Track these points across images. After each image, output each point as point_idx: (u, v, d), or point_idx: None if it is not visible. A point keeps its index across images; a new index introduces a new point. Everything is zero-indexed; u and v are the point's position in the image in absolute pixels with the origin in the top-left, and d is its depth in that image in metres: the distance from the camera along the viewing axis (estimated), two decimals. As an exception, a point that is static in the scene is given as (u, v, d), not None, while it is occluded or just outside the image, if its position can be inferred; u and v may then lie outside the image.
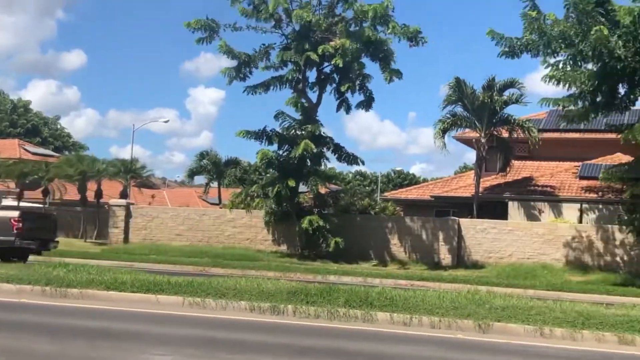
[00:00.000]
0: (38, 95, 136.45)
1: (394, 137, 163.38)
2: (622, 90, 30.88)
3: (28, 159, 55.66)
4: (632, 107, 32.48)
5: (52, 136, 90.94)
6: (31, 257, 25.19)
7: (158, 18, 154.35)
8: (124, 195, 43.10)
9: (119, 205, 38.85)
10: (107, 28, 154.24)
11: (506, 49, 29.77)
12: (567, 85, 29.94)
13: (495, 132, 38.50)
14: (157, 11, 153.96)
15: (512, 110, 38.51)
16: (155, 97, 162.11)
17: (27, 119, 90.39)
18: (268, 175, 37.90)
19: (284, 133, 36.17)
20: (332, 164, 42.09)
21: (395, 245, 36.01)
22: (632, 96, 30.79)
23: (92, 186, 42.86)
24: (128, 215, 38.54)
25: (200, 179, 60.46)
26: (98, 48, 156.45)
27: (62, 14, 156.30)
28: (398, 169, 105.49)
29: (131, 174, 44.77)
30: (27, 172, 43.54)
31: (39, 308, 13.95)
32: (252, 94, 36.37)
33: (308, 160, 35.90)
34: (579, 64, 29.52)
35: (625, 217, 32.31)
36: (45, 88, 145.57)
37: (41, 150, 67.80)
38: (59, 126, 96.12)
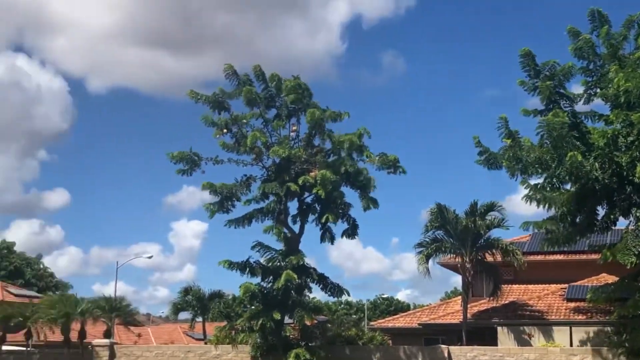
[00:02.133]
0: (21, 235, 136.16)
1: (378, 263, 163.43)
2: (601, 211, 31.31)
3: (11, 300, 54.95)
4: (613, 227, 32.80)
5: (35, 277, 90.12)
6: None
7: (140, 154, 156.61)
8: (107, 334, 42.36)
9: (102, 346, 38.14)
10: (90, 166, 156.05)
11: (485, 160, 30.54)
12: (546, 206, 30.38)
13: (480, 256, 38.57)
14: (138, 147, 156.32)
15: (496, 233, 38.82)
16: (139, 232, 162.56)
17: (10, 261, 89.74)
18: (252, 308, 37.50)
19: (267, 264, 36.04)
20: (316, 293, 41.79)
21: (384, 376, 35.34)
22: (612, 216, 31.19)
23: (76, 326, 42.17)
24: (112, 355, 37.77)
25: (185, 314, 59.77)
26: (81, 186, 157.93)
27: (45, 154, 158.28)
28: (384, 295, 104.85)
29: (116, 312, 44.12)
30: (11, 314, 42.93)
31: None
32: (235, 227, 36.46)
33: (292, 291, 35.62)
34: (557, 186, 30.05)
35: (615, 339, 32.00)
36: (28, 228, 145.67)
37: (24, 291, 67.03)
38: (42, 266, 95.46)
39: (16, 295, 60.32)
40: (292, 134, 36.39)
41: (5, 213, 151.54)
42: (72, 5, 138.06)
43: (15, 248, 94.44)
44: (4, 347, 42.94)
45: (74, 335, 41.75)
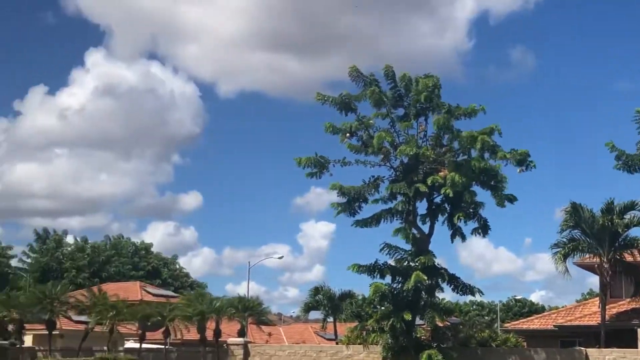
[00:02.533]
0: (157, 236, 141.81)
1: (510, 264, 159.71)
2: None
3: (150, 300, 57.09)
4: None
5: (171, 277, 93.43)
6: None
7: (268, 156, 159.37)
8: (241, 333, 43.25)
9: (237, 344, 39.05)
10: (221, 168, 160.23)
11: (624, 164, 29.36)
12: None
13: (618, 256, 37.17)
14: (267, 149, 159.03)
15: (636, 232, 37.26)
16: (269, 233, 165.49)
17: (147, 261, 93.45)
18: (383, 308, 37.44)
19: (396, 265, 35.86)
20: (447, 294, 41.25)
21: (520, 379, 34.59)
22: None
23: (211, 325, 43.29)
24: (246, 354, 38.60)
25: (315, 314, 60.37)
26: (213, 188, 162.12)
27: (179, 158, 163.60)
28: (517, 297, 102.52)
29: (249, 311, 45.04)
30: (149, 313, 44.46)
31: None
32: (362, 227, 36.47)
33: (423, 292, 35.32)
34: None
35: None
36: (164, 229, 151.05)
37: (162, 291, 69.58)
38: (177, 266, 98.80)
39: (154, 295, 62.61)
40: (420, 133, 36.09)
41: (143, 215, 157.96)
42: (202, 12, 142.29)
43: (152, 249, 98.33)
44: (144, 345, 44.57)
45: (209, 334, 42.89)
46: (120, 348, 47.26)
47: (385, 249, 35.64)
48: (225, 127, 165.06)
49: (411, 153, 34.09)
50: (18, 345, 46.55)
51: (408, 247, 35.84)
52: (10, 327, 47.20)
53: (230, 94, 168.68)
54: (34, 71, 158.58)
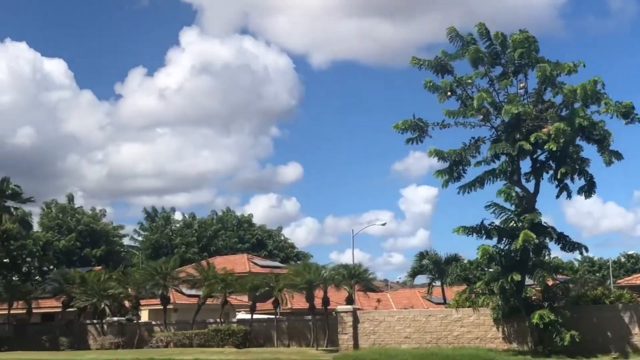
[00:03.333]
0: (260, 209, 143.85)
1: (620, 218, 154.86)
2: None
3: (257, 271, 58.17)
4: None
5: (276, 248, 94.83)
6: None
7: (365, 123, 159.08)
8: (349, 301, 43.62)
9: (346, 311, 39.37)
10: (319, 138, 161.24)
11: None
12: None
13: None
14: (364, 116, 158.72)
15: None
16: (370, 200, 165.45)
17: (252, 234, 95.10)
18: (491, 270, 37.06)
19: (503, 226, 35.35)
20: (554, 253, 40.36)
21: (637, 335, 33.66)
22: None
23: (319, 293, 43.81)
24: (355, 321, 38.91)
25: (421, 279, 60.33)
26: (312, 158, 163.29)
27: (277, 131, 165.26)
28: (630, 252, 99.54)
29: (355, 278, 45.30)
30: (258, 284, 45.30)
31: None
32: (468, 192, 36.05)
33: (531, 252, 34.75)
34: None
35: None
36: (267, 202, 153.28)
37: (268, 262, 70.73)
38: (282, 237, 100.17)
39: (261, 267, 63.72)
40: (520, 90, 35.32)
41: (245, 189, 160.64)
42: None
43: (255, 222, 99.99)
44: (255, 316, 45.52)
45: (317, 303, 43.43)
46: (233, 319, 48.43)
47: (491, 207, 35.12)
48: (321, 97, 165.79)
49: (516, 112, 33.39)
50: (135, 321, 48.40)
51: (513, 207, 35.31)
52: (127, 304, 49.09)
53: (323, 64, 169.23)
54: (132, 54, 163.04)
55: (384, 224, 72.87)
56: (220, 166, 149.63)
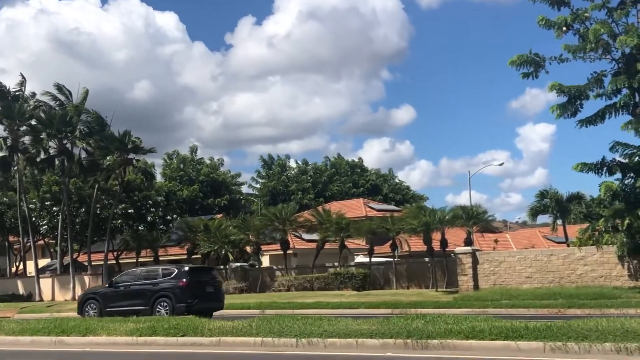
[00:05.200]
0: (373, 153, 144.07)
1: None
2: None
3: (373, 215, 58.47)
4: None
5: (392, 191, 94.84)
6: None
7: (478, 62, 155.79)
8: (468, 242, 43.38)
9: (465, 253, 39.15)
10: (431, 79, 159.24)
11: None
12: None
13: None
14: (476, 55, 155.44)
15: None
16: (485, 140, 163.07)
17: (366, 178, 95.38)
18: (614, 207, 35.89)
19: (626, 161, 34.07)
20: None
21: None
22: None
23: (436, 235, 43.74)
24: (475, 262, 38.68)
25: (541, 219, 59.15)
26: (425, 100, 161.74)
27: (388, 74, 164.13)
28: None
29: (473, 220, 44.93)
30: (374, 228, 45.55)
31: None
32: (586, 126, 34.86)
33: (658, 187, 33.42)
34: None
35: None
36: (380, 146, 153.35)
37: (384, 205, 70.96)
38: (397, 181, 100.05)
39: (377, 210, 63.96)
40: (639, 20, 33.63)
41: (358, 133, 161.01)
42: None
43: (369, 166, 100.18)
44: (373, 259, 45.88)
45: (435, 245, 43.39)
46: (351, 263, 49.04)
47: (615, 147, 33.89)
48: (432, 37, 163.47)
49: (632, 43, 31.88)
50: (257, 266, 49.69)
51: (638, 142, 33.98)
52: (249, 249, 50.38)
53: (433, 3, 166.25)
54: (240, 3, 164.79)
55: (501, 164, 71.82)
56: (332, 112, 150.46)
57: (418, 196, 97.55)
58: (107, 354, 17.42)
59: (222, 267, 49.26)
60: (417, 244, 48.30)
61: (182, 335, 18.51)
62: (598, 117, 34.54)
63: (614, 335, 14.34)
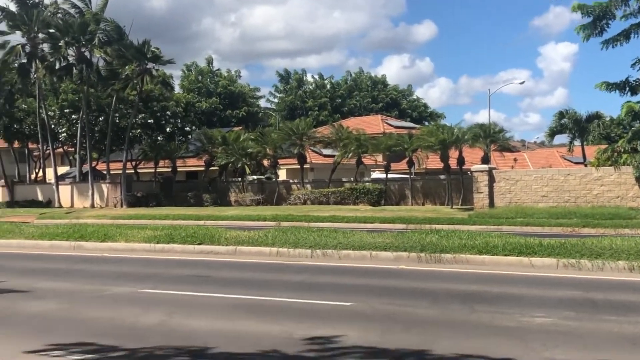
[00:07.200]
0: (392, 69, 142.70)
1: None
2: None
3: (391, 132, 58.30)
4: None
5: (409, 108, 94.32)
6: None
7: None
8: (485, 160, 43.25)
9: (481, 171, 39.11)
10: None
11: None
12: None
13: None
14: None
15: None
16: (506, 58, 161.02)
17: (385, 94, 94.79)
18: (634, 128, 35.61)
19: (650, 82, 33.60)
20: None
21: None
22: None
23: (453, 153, 43.62)
24: (491, 180, 38.68)
25: (560, 139, 58.80)
26: (447, 16, 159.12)
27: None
28: None
29: (490, 138, 44.70)
30: (392, 145, 45.41)
31: (415, 274, 14.58)
32: (612, 47, 34.24)
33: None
34: None
35: None
36: (399, 62, 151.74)
37: (402, 123, 70.68)
38: (415, 97, 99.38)
39: (395, 127, 63.77)
40: None
41: (378, 49, 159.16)
42: None
43: (388, 82, 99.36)
44: (389, 176, 45.94)
45: (452, 163, 43.32)
46: (367, 178, 49.15)
47: (637, 64, 33.40)
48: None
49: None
50: (274, 179, 49.94)
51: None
52: (266, 163, 50.56)
53: None
54: None
55: (522, 83, 71.11)
56: (352, 26, 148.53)
57: (436, 114, 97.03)
58: (125, 259, 17.73)
59: (239, 179, 49.58)
60: (433, 162, 48.25)
61: (199, 244, 18.79)
62: (622, 37, 33.98)
63: (627, 253, 14.43)
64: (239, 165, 47.84)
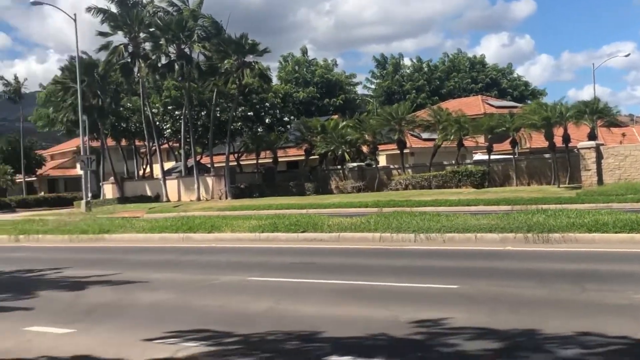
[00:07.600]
0: (491, 49, 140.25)
1: None
2: None
3: (492, 112, 57.32)
4: None
5: (510, 87, 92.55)
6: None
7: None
8: (591, 137, 41.98)
9: (588, 148, 38.04)
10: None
11: None
12: None
13: None
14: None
15: None
16: (609, 31, 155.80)
17: (485, 74, 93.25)
18: None
19: None
20: None
21: None
22: None
23: (557, 131, 42.53)
24: (599, 157, 37.58)
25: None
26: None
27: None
28: None
29: (597, 114, 43.34)
30: (493, 125, 44.64)
31: (522, 254, 14.33)
32: None
33: None
34: None
35: None
36: (498, 41, 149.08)
37: (503, 102, 69.38)
38: (515, 76, 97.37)
39: (496, 107, 62.66)
40: None
41: (475, 29, 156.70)
42: None
43: (486, 61, 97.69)
44: (492, 157, 45.20)
45: (557, 141, 42.24)
46: (469, 160, 48.52)
47: None
48: None
49: None
50: (374, 165, 49.91)
51: None
52: (365, 149, 50.56)
53: None
54: None
55: (627, 55, 69.52)
56: (447, 7, 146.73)
57: (537, 91, 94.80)
58: (231, 249, 18.10)
59: (339, 167, 49.78)
60: (537, 141, 47.16)
61: (303, 231, 18.99)
62: None
63: None
64: (339, 153, 48.04)
